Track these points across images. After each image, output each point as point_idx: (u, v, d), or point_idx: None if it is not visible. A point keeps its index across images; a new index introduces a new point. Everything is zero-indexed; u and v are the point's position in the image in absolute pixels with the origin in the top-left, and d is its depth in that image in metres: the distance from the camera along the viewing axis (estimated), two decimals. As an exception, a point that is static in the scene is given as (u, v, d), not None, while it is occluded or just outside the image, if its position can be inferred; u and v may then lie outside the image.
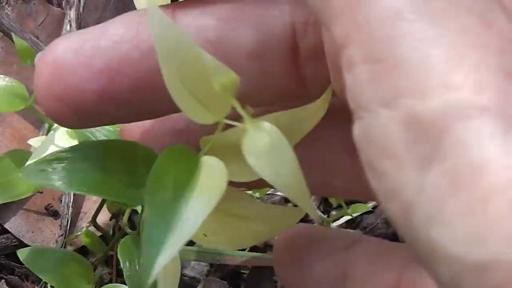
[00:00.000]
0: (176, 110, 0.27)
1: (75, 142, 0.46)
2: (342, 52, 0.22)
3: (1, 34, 0.70)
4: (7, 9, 0.73)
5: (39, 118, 0.68)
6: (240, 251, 0.67)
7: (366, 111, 0.21)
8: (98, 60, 0.27)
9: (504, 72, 0.20)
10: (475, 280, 0.20)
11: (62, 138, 0.46)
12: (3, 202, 0.51)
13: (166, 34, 0.26)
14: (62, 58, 0.28)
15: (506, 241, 0.19)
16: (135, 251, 0.46)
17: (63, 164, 0.30)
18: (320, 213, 0.67)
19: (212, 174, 0.28)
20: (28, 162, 0.48)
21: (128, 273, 0.45)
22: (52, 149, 0.46)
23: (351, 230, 0.68)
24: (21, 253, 0.52)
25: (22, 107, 0.48)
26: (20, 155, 0.49)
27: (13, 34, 0.49)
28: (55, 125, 0.48)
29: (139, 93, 0.27)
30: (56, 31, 0.71)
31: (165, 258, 0.25)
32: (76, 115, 0.28)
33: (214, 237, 0.36)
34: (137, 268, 0.45)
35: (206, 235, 0.37)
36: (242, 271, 0.68)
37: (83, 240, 0.59)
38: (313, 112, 0.30)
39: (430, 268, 0.21)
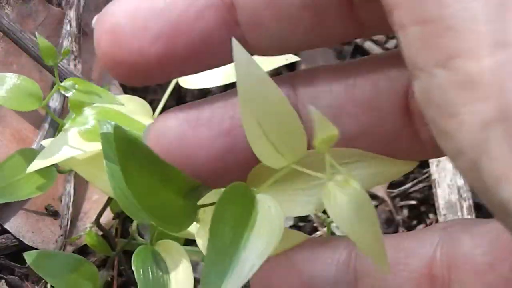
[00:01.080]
0: (230, 60, 0.27)
1: (88, 144, 0.46)
2: (392, 13, 0.22)
3: (1, 34, 0.70)
4: (7, 9, 0.73)
5: (39, 118, 0.68)
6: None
7: (422, 71, 0.22)
8: (154, 23, 0.27)
9: None
10: None
11: (76, 140, 0.46)
12: (10, 201, 0.50)
13: (249, 73, 0.26)
14: (120, 24, 0.28)
15: None
16: (149, 261, 0.46)
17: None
18: (320, 213, 0.67)
19: (268, 215, 0.28)
20: (35, 161, 0.47)
21: (143, 285, 0.45)
22: (65, 149, 0.46)
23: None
24: (28, 256, 0.52)
25: (36, 107, 0.47)
26: (29, 154, 0.49)
27: (37, 34, 0.48)
28: (66, 125, 0.47)
29: (196, 50, 0.28)
30: (56, 31, 0.71)
31: None
32: (138, 76, 0.28)
33: None
34: (150, 277, 0.45)
35: None
36: (242, 271, 0.67)
37: (86, 240, 0.59)
38: (401, 167, 0.30)
39: (505, 225, 0.21)
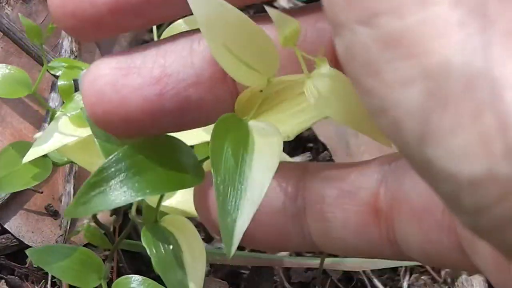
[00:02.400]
0: (186, 12, 0.27)
1: (80, 130, 0.46)
2: None
3: (1, 34, 0.70)
4: (7, 9, 0.73)
5: (39, 118, 0.68)
6: (240, 251, 0.67)
7: (345, 29, 0.21)
8: None
9: None
10: (472, 195, 0.20)
11: (66, 126, 0.46)
12: (8, 192, 0.50)
13: (205, 3, 0.26)
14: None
15: (498, 157, 0.19)
16: (159, 236, 0.46)
17: (118, 179, 0.30)
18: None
19: (265, 135, 0.28)
20: (30, 151, 0.47)
21: (156, 259, 0.45)
22: (56, 136, 0.46)
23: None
24: (30, 253, 0.52)
25: (25, 94, 0.48)
26: (23, 146, 0.49)
27: (19, 14, 0.48)
28: (57, 113, 0.47)
29: (149, 2, 0.28)
30: (56, 31, 0.71)
31: (244, 224, 0.26)
32: (91, 28, 0.28)
33: None
34: (163, 252, 0.45)
35: None
36: (242, 271, 0.68)
37: (85, 236, 0.59)
38: None
39: (429, 183, 0.21)
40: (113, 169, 0.30)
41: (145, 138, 0.31)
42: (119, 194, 0.30)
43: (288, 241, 0.30)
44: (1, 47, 0.71)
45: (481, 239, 0.21)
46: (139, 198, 0.30)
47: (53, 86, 0.69)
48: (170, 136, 0.31)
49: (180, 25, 0.45)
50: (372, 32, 0.21)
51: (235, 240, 0.26)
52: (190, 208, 0.50)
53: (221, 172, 0.26)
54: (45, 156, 0.49)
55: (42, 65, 0.67)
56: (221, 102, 0.29)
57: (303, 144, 0.71)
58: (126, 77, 0.28)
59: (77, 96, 0.46)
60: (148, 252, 0.45)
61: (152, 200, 0.50)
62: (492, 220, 0.20)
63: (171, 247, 0.47)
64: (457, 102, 0.19)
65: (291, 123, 0.30)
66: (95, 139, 0.36)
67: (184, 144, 0.31)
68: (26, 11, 0.72)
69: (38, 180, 0.50)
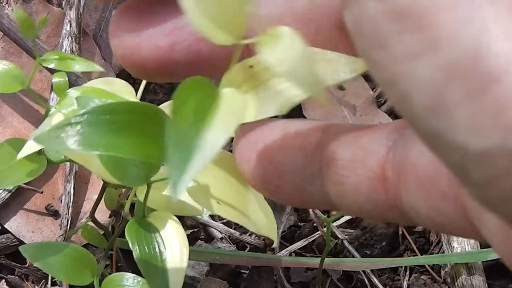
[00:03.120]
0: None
1: None
2: None
3: (2, 34, 0.70)
4: (7, 9, 0.73)
5: (39, 118, 0.68)
6: (240, 251, 0.68)
7: (354, 1, 0.22)
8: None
9: None
10: (479, 167, 0.20)
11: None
12: (4, 188, 0.50)
13: None
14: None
15: (506, 130, 0.19)
16: (143, 233, 0.46)
17: (77, 128, 0.31)
18: (320, 213, 0.67)
19: (232, 102, 0.29)
20: (24, 147, 0.47)
21: (138, 255, 0.45)
22: None
23: (351, 230, 0.68)
24: (24, 249, 0.52)
25: (19, 89, 0.48)
26: (19, 143, 0.49)
27: (13, 7, 0.49)
28: (52, 110, 0.47)
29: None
30: (56, 31, 0.71)
31: (189, 177, 0.26)
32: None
33: (227, 208, 0.38)
34: (146, 250, 0.46)
35: (219, 203, 0.39)
36: (242, 271, 0.68)
37: (83, 235, 0.59)
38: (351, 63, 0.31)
39: (437, 155, 0.21)
40: (79, 118, 0.31)
41: (131, 102, 0.32)
42: (71, 141, 0.31)
43: (310, 199, 0.30)
44: (1, 47, 0.71)
45: (489, 210, 0.21)
46: (87, 152, 0.31)
47: (51, 84, 0.69)
48: (157, 108, 0.32)
49: None
50: (380, 5, 0.21)
51: (179, 190, 0.26)
52: (179, 205, 0.50)
53: (179, 126, 0.27)
54: (39, 153, 0.50)
55: (42, 65, 0.68)
56: (230, 58, 0.30)
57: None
58: (142, 26, 0.30)
59: (72, 93, 0.46)
60: (130, 246, 0.45)
61: (143, 198, 0.50)
62: (501, 192, 0.20)
63: (154, 243, 0.47)
64: (466, 74, 0.19)
65: (281, 98, 0.31)
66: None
67: (164, 118, 0.32)
68: (26, 11, 0.72)
69: (32, 176, 0.50)
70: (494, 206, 0.21)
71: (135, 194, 0.50)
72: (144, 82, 0.47)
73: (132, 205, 0.53)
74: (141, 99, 0.52)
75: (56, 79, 0.47)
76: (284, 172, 0.30)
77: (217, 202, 0.38)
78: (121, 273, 0.52)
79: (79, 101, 0.41)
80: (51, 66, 0.47)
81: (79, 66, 0.47)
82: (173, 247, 0.47)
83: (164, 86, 0.74)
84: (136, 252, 0.45)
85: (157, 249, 0.46)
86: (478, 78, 0.19)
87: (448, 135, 0.20)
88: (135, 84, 0.53)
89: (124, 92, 0.47)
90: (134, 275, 0.51)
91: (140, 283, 0.50)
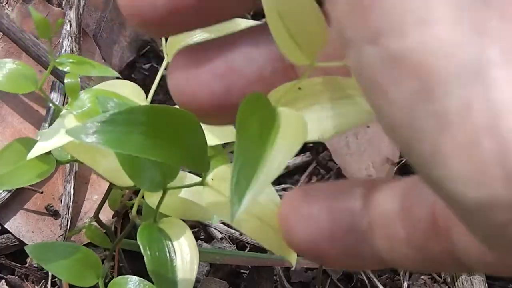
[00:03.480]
0: (241, 10, 0.29)
1: None
2: None
3: (1, 34, 0.70)
4: (7, 9, 0.73)
5: (40, 118, 0.68)
6: (240, 251, 0.68)
7: (352, 47, 0.22)
8: None
9: (479, 3, 0.20)
10: (480, 218, 0.20)
11: (73, 124, 0.46)
12: (12, 188, 0.50)
13: None
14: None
15: (501, 182, 0.19)
16: (155, 238, 0.46)
17: (108, 127, 0.32)
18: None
19: (292, 121, 0.30)
20: (35, 146, 0.47)
21: (150, 260, 0.45)
22: (62, 132, 0.46)
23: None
24: (29, 249, 0.52)
25: (32, 90, 0.48)
26: (28, 143, 0.49)
27: (29, 6, 0.49)
28: (63, 111, 0.47)
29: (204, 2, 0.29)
30: (56, 31, 0.71)
31: (255, 193, 0.26)
32: (156, 28, 0.30)
33: (243, 221, 0.38)
34: (157, 255, 0.46)
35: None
36: (242, 271, 0.68)
37: (86, 234, 0.59)
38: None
39: (444, 203, 0.21)
40: (115, 116, 0.32)
41: (163, 107, 0.33)
42: (101, 137, 0.32)
43: (360, 260, 0.30)
44: (1, 47, 0.71)
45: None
46: (113, 150, 0.32)
47: (53, 86, 0.69)
48: (188, 113, 0.33)
49: None
50: (377, 51, 0.21)
51: (243, 205, 0.26)
52: (191, 209, 0.50)
53: (243, 145, 0.27)
54: (48, 153, 0.49)
55: (40, 64, 0.67)
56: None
57: (303, 144, 0.71)
58: (198, 71, 0.30)
59: (82, 94, 0.46)
60: (142, 251, 0.45)
61: (151, 201, 0.50)
62: (507, 243, 0.20)
63: (165, 249, 0.47)
64: (459, 125, 0.19)
65: (325, 124, 0.31)
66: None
67: (198, 126, 0.33)
68: (26, 11, 0.72)
69: (42, 177, 0.49)
70: (503, 253, 0.21)
71: (143, 196, 0.50)
72: (155, 85, 0.47)
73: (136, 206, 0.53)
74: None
75: (68, 79, 0.47)
76: (333, 236, 0.29)
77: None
78: (126, 276, 0.52)
79: (100, 101, 0.41)
80: (66, 69, 0.47)
81: (95, 71, 0.47)
82: (184, 256, 0.47)
83: (164, 86, 0.74)
84: (147, 257, 0.45)
85: (168, 255, 0.46)
86: (469, 130, 0.19)
87: (447, 185, 0.20)
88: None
89: (135, 94, 0.47)
90: (140, 278, 0.51)
91: (144, 285, 0.50)
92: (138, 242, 0.46)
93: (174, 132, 0.33)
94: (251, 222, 0.37)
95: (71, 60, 0.48)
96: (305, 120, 0.30)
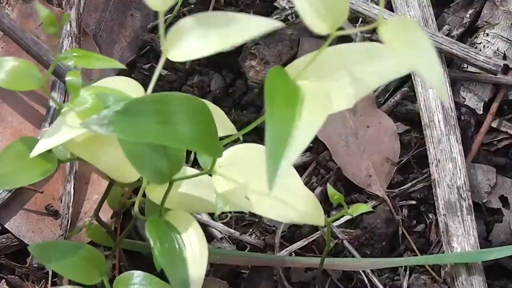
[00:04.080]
0: None
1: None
2: None
3: (2, 33, 0.70)
4: (7, 9, 0.73)
5: (40, 118, 0.68)
6: (240, 251, 0.68)
7: None
8: None
9: None
10: None
11: (74, 121, 0.46)
12: (14, 187, 0.50)
13: None
14: None
15: None
16: (163, 231, 0.47)
17: (126, 116, 0.33)
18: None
19: (314, 94, 0.31)
20: (38, 144, 0.47)
21: (160, 252, 0.45)
22: (64, 129, 0.46)
23: (351, 230, 0.68)
24: (32, 249, 0.52)
25: (34, 87, 0.48)
26: (30, 142, 0.49)
27: (36, 2, 0.49)
28: (64, 109, 0.47)
29: None
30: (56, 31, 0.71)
31: (289, 161, 0.28)
32: None
33: (256, 203, 0.40)
34: (166, 245, 0.46)
35: (248, 199, 0.39)
36: (242, 271, 0.68)
37: (87, 233, 0.58)
38: None
39: None
40: (130, 106, 0.33)
41: (172, 94, 0.34)
42: (119, 127, 0.33)
43: None
44: (2, 47, 0.71)
45: None
46: (135, 140, 0.33)
47: (54, 86, 0.69)
48: (197, 99, 0.34)
49: (185, 24, 0.45)
50: None
51: (279, 172, 0.28)
52: (193, 202, 0.50)
53: (274, 116, 0.29)
54: (50, 152, 0.49)
55: (41, 63, 0.68)
56: None
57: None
58: None
59: (83, 91, 0.46)
60: (152, 244, 0.45)
61: (154, 196, 0.50)
62: None
63: (174, 241, 0.47)
64: None
65: (347, 91, 0.33)
66: (117, 138, 0.38)
67: (208, 111, 0.34)
68: (26, 11, 0.72)
69: (45, 175, 0.49)
70: None
71: (144, 194, 0.50)
72: (153, 82, 0.47)
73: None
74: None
75: (69, 77, 0.46)
76: None
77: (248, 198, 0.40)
78: (129, 271, 0.52)
79: (100, 97, 0.42)
80: (70, 63, 0.47)
81: (99, 63, 0.47)
82: (193, 247, 0.47)
83: (162, 85, 0.74)
84: (157, 250, 0.45)
85: (177, 247, 0.47)
86: None
87: None
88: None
89: (134, 91, 0.47)
90: (143, 272, 0.51)
91: (152, 280, 0.50)
92: (147, 236, 0.46)
93: (185, 117, 0.34)
94: (266, 201, 0.39)
95: (75, 54, 0.48)
96: (327, 92, 0.32)
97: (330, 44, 0.33)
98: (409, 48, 0.29)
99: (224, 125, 0.48)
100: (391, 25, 0.30)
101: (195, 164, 0.70)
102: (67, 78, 0.45)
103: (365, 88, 0.33)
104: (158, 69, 0.46)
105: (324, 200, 0.69)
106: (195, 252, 0.47)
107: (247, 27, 0.41)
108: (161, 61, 0.46)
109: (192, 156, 0.69)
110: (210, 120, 0.35)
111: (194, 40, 0.44)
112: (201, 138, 0.35)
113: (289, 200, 0.41)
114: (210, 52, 0.44)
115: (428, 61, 0.29)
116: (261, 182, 0.39)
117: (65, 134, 0.45)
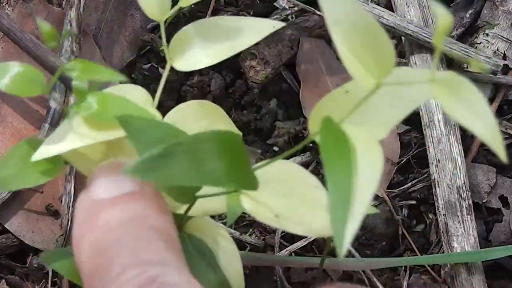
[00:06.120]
0: None
1: (99, 134, 0.46)
2: None
3: (2, 34, 0.70)
4: (7, 9, 0.73)
5: (40, 118, 0.68)
6: (240, 251, 0.67)
7: None
8: None
9: None
10: None
11: (82, 128, 0.46)
12: (17, 189, 0.50)
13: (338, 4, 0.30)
14: None
15: None
16: (185, 245, 0.46)
17: (165, 160, 0.33)
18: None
19: (369, 151, 0.32)
20: (40, 149, 0.47)
21: (191, 268, 0.44)
22: (71, 136, 0.46)
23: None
24: (43, 258, 0.52)
25: (39, 93, 0.48)
26: (36, 144, 0.49)
27: (36, 17, 0.48)
28: (70, 113, 0.47)
29: None
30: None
31: (353, 228, 0.29)
32: None
33: (285, 220, 0.40)
34: (196, 259, 0.45)
35: (278, 217, 0.39)
36: (242, 271, 0.68)
37: None
38: None
39: None
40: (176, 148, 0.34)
41: (207, 134, 0.35)
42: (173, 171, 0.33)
43: None
44: (2, 47, 0.71)
45: None
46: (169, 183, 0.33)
47: (54, 86, 0.69)
48: (231, 133, 0.34)
49: (188, 31, 0.45)
50: None
51: (345, 241, 0.28)
52: (212, 205, 0.50)
53: (334, 183, 0.30)
54: None
55: (43, 66, 0.67)
56: None
57: (303, 145, 0.71)
58: None
59: (90, 97, 0.46)
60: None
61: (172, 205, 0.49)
62: None
63: (203, 252, 0.46)
64: None
65: (384, 126, 0.34)
66: (130, 140, 0.38)
67: (242, 145, 0.34)
68: (26, 11, 0.72)
69: (50, 176, 0.49)
70: None
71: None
72: (160, 89, 0.47)
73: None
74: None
75: (76, 82, 0.47)
76: None
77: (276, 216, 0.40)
78: None
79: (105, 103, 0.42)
80: (75, 74, 0.47)
81: (103, 76, 0.47)
82: (225, 252, 0.46)
83: (167, 89, 0.74)
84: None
85: (208, 259, 0.46)
86: None
87: None
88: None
89: (142, 99, 0.47)
90: None
91: None
92: None
93: (221, 156, 0.34)
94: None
95: (79, 65, 0.47)
96: (376, 144, 0.32)
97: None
98: (465, 109, 0.29)
99: (226, 125, 0.48)
100: (443, 81, 0.30)
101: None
102: (74, 83, 0.45)
103: (393, 118, 0.34)
104: (163, 80, 0.46)
105: (324, 200, 0.69)
106: (227, 257, 0.46)
107: (250, 33, 0.41)
108: (166, 69, 0.46)
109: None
110: (245, 155, 0.35)
111: (198, 51, 0.44)
112: (238, 175, 0.35)
113: (314, 214, 0.41)
114: (214, 61, 0.44)
115: (490, 130, 0.29)
116: (291, 203, 0.40)
117: (73, 142, 0.44)
